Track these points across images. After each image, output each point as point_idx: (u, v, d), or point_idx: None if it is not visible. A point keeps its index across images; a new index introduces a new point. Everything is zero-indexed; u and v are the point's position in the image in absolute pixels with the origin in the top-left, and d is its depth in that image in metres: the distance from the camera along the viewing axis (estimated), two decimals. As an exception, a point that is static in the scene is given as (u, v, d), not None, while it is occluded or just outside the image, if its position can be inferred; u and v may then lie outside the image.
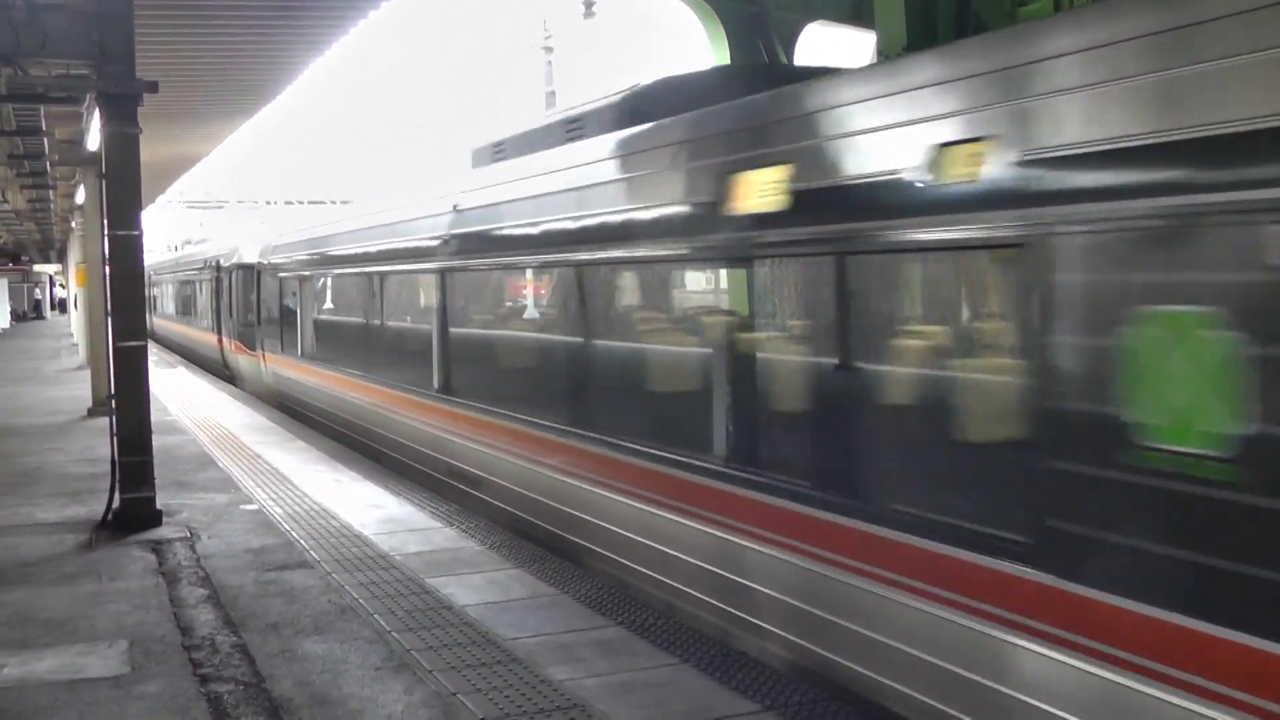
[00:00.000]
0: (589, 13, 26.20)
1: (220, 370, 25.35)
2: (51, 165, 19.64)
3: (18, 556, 8.61)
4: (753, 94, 6.78)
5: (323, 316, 16.76)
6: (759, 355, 6.47)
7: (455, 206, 10.90)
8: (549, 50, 31.50)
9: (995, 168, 4.61)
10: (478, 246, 10.33)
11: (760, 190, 6.18)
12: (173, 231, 62.08)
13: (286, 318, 18.43)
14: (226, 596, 7.43)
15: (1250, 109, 3.64)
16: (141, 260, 9.79)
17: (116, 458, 9.59)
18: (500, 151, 10.91)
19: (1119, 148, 4.08)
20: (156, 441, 10.06)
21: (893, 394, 5.55)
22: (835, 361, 5.79)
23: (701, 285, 7.74)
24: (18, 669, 6.12)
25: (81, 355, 26.75)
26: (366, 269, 13.86)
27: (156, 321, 40.43)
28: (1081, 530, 4.29)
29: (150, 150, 11.19)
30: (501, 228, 9.83)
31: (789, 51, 16.26)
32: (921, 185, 5.01)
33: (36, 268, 64.70)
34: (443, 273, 11.26)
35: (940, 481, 5.22)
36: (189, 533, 9.28)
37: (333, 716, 5.41)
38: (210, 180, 57.73)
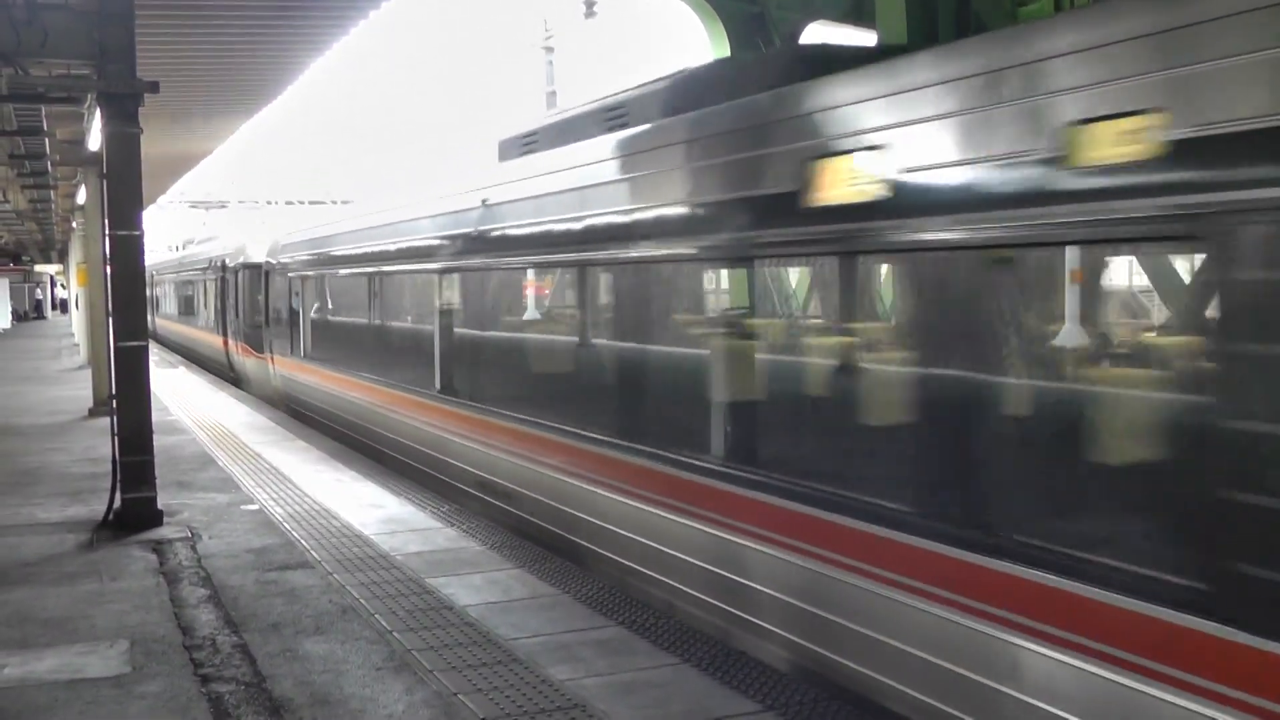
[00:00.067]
0: (590, 13, 26.21)
1: (225, 373, 24.82)
2: (52, 165, 19.64)
3: (19, 556, 8.61)
4: (823, 75, 6.09)
5: (337, 318, 15.97)
6: (903, 366, 5.52)
7: (485, 201, 10.19)
8: (549, 50, 31.49)
9: (1165, 147, 4.05)
10: (517, 244, 9.54)
11: (854, 178, 5.54)
12: (173, 231, 62.10)
13: (297, 319, 17.78)
14: (227, 596, 7.43)
15: None
16: (142, 260, 9.79)
17: (117, 457, 9.60)
18: (531, 143, 10.20)
19: None
20: (157, 441, 10.06)
21: (1028, 405, 5.02)
22: (920, 371, 5.28)
23: (801, 285, 7.15)
24: (18, 669, 6.12)
25: (82, 355, 26.75)
26: (384, 268, 13.20)
27: (159, 322, 40.15)
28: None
29: (151, 150, 11.19)
30: (545, 223, 9.03)
31: (790, 51, 16.26)
32: (1063, 169, 4.43)
33: (37, 268, 64.71)
34: (468, 272, 10.62)
35: (1094, 510, 4.59)
36: (190, 533, 9.28)
37: (334, 716, 5.41)
38: (210, 180, 57.79)
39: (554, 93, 30.99)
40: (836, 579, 5.73)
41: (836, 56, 6.72)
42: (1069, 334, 5.10)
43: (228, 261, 23.86)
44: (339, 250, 15.31)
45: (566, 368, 9.21)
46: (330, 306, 16.32)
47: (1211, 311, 3.98)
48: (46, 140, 17.17)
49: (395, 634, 6.58)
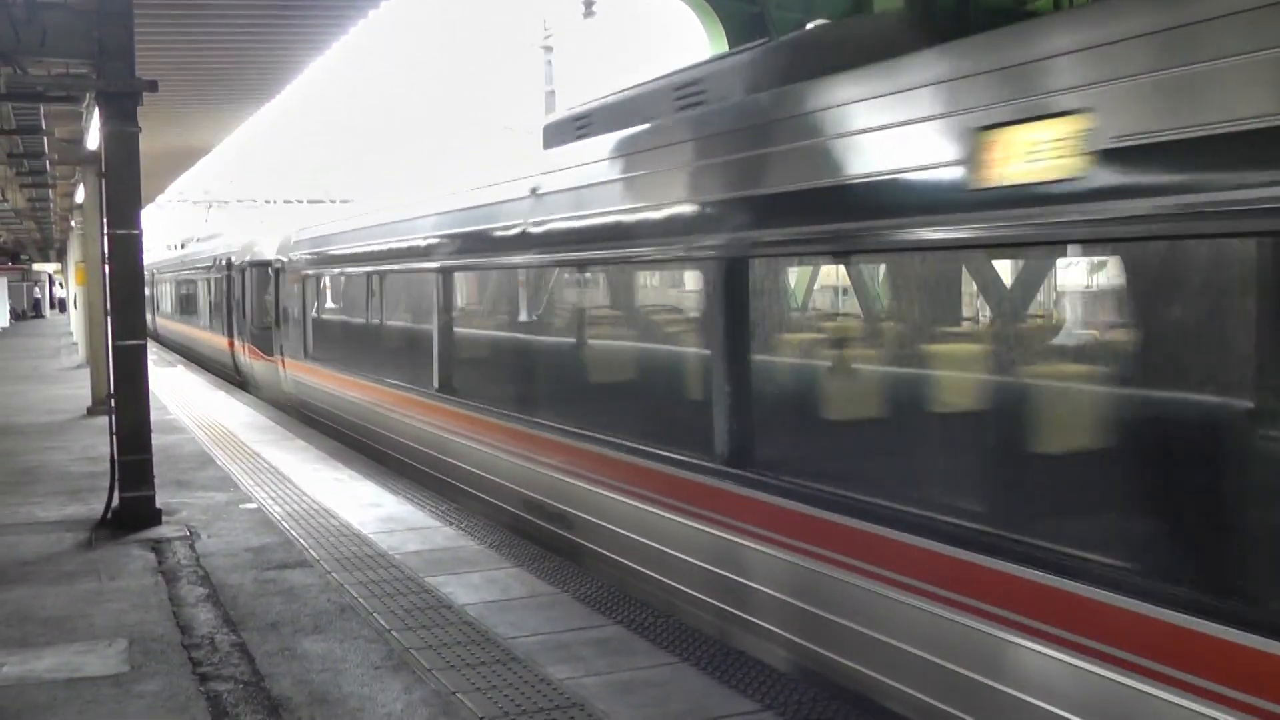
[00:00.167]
0: (589, 12, 26.20)
1: (231, 375, 23.87)
2: (51, 164, 19.65)
3: (17, 555, 8.61)
4: (958, 39, 5.19)
5: (363, 320, 14.71)
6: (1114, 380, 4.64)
7: (535, 190, 9.10)
8: (549, 50, 31.50)
9: None
10: (588, 237, 8.37)
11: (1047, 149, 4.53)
12: (172, 230, 62.09)
13: (311, 320, 16.83)
14: (226, 595, 7.43)
15: None
16: (141, 259, 9.79)
17: (116, 456, 9.60)
18: (585, 126, 9.11)
19: None
20: (156, 440, 10.07)
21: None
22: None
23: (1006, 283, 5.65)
24: (17, 667, 6.13)
25: (81, 354, 26.75)
26: (416, 265, 12.08)
27: (160, 323, 39.58)
28: None
29: (149, 148, 11.19)
30: (615, 214, 7.97)
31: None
32: None
33: (36, 266, 64.68)
34: (520, 269, 9.54)
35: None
36: (188, 531, 9.28)
37: (332, 715, 5.41)
38: (209, 179, 57.75)
39: (552, 92, 31.02)
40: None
41: (974, 14, 5.85)
42: None
43: (234, 259, 22.88)
44: (364, 246, 14.08)
45: (683, 385, 7.61)
46: (355, 307, 15.06)
47: None
48: (45, 139, 17.18)
49: (394, 633, 6.58)
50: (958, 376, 5.41)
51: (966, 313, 5.86)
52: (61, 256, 51.88)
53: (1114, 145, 4.18)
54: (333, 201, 47.23)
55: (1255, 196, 3.70)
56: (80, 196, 21.12)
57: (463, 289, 11.44)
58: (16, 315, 63.13)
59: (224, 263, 24.22)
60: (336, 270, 15.71)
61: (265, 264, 19.76)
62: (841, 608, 5.67)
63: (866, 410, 6.01)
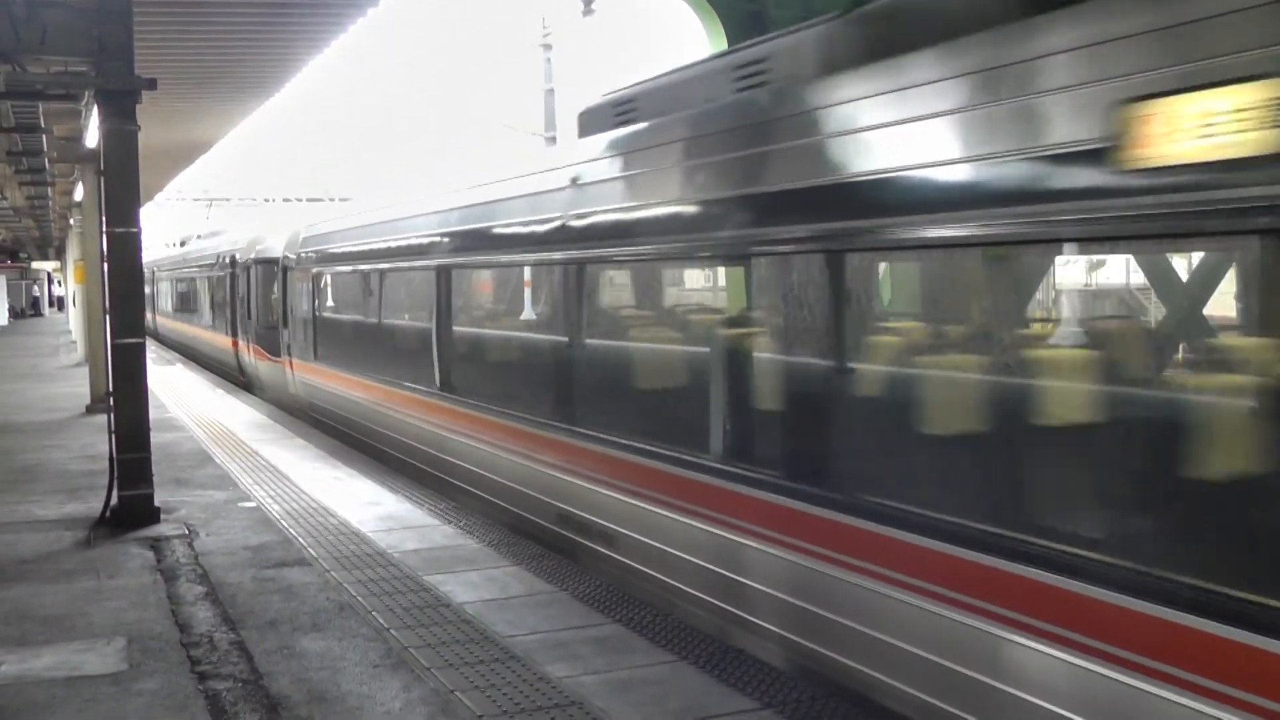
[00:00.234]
0: (588, 10, 26.17)
1: (235, 376, 23.17)
2: (50, 162, 19.65)
3: (16, 553, 8.61)
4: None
5: (372, 319, 14.07)
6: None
7: (575, 180, 8.41)
8: (548, 48, 31.48)
9: None
10: (640, 230, 7.64)
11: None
12: (171, 228, 62.09)
13: (321, 320, 16.13)
14: (224, 594, 7.44)
15: None
16: (140, 257, 9.80)
17: (115, 455, 9.60)
18: (628, 111, 8.38)
19: None
20: (155, 438, 10.07)
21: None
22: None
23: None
24: (16, 666, 6.13)
25: (80, 352, 26.73)
26: (437, 261, 11.34)
27: (160, 321, 39.17)
28: None
29: (148, 146, 11.18)
30: (673, 204, 7.25)
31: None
32: None
33: (34, 265, 64.69)
34: (569, 265, 8.63)
35: None
36: (187, 530, 9.28)
37: (331, 713, 5.41)
38: (207, 178, 57.78)
39: (551, 90, 30.99)
40: None
41: None
42: None
43: (239, 256, 22.32)
44: (383, 242, 13.27)
45: (757, 393, 6.68)
46: (373, 306, 14.17)
47: None
48: (44, 137, 17.18)
49: (392, 631, 6.59)
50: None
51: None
52: (60, 254, 51.86)
53: None
54: (332, 200, 47.21)
55: None
56: (79, 194, 21.10)
57: (502, 286, 10.69)
58: (15, 313, 63.14)
59: (228, 260, 23.68)
60: (351, 267, 14.88)
61: (272, 261, 19.25)
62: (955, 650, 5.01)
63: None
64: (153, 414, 10.17)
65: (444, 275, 11.31)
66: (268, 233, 21.01)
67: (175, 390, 20.79)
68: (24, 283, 71.42)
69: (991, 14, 4.99)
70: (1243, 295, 4.42)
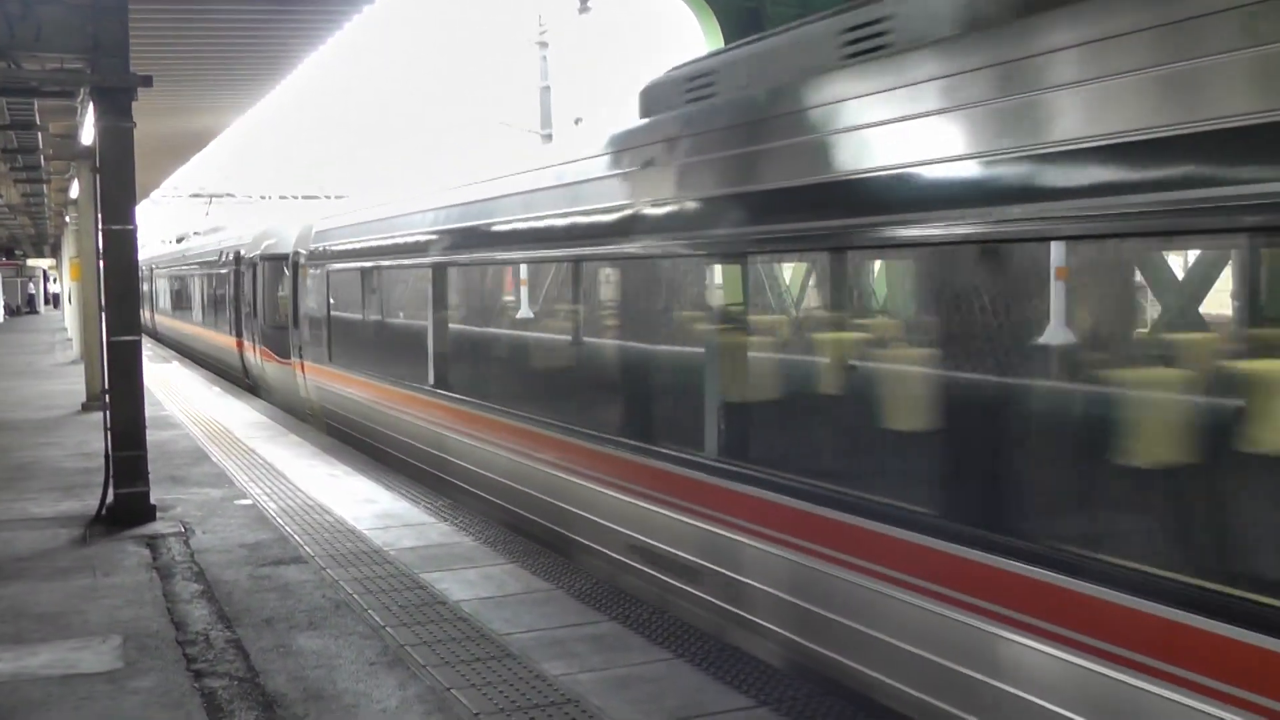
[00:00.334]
0: (584, 7, 26.16)
1: (240, 379, 22.08)
2: (45, 159, 19.65)
3: (12, 551, 8.60)
4: None
5: (399, 320, 13.06)
6: None
7: (649, 162, 7.43)
8: (544, 46, 31.45)
9: None
10: (717, 216, 6.68)
11: None
12: (167, 226, 62.01)
13: (337, 319, 15.10)
14: (221, 591, 7.43)
15: None
16: (136, 254, 9.78)
17: (110, 452, 9.58)
18: (702, 86, 7.35)
19: None
20: (150, 436, 10.06)
21: None
22: None
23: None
24: (11, 664, 6.12)
25: (75, 350, 26.71)
26: (475, 255, 10.26)
27: (159, 320, 38.52)
28: None
29: (144, 143, 11.16)
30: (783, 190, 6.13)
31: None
32: None
33: (30, 262, 64.65)
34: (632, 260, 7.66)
35: None
36: (183, 528, 9.27)
37: (327, 711, 5.41)
38: (204, 175, 57.65)
39: (548, 87, 30.97)
40: None
41: None
42: None
43: (243, 252, 21.24)
44: (411, 236, 12.07)
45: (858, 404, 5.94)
46: (389, 305, 13.33)
47: None
48: (39, 134, 17.17)
49: (388, 629, 6.58)
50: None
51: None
52: (56, 252, 51.83)
53: None
54: (327, 197, 47.15)
55: None
56: (75, 192, 21.08)
57: (559, 282, 9.38)
58: (10, 311, 63.10)
59: (232, 256, 22.59)
60: (373, 263, 13.54)
61: (281, 257, 18.06)
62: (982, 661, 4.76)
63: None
64: (149, 411, 10.16)
65: (481, 271, 10.32)
66: (276, 227, 19.83)
67: (171, 388, 20.77)
68: (19, 280, 71.38)
69: None
70: None
